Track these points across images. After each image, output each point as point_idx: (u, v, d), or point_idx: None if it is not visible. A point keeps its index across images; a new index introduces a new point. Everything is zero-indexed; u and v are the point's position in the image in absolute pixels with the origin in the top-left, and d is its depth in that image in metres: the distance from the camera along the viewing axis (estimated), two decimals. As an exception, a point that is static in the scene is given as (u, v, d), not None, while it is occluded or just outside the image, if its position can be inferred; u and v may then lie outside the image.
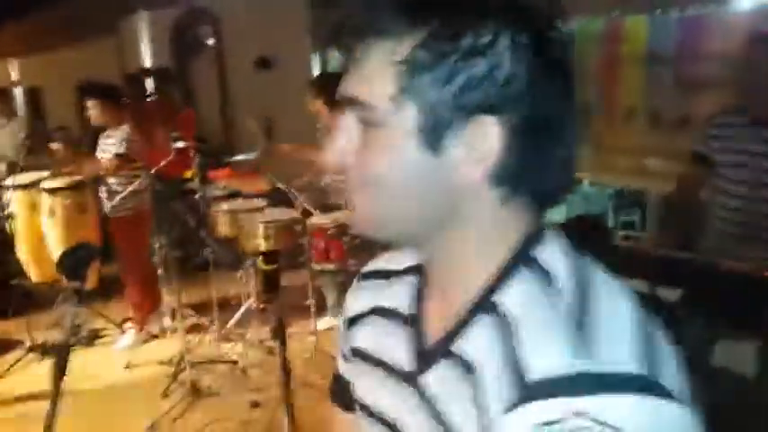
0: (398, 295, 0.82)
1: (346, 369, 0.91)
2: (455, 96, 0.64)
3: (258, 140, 4.23)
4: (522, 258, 0.69)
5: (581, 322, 0.61)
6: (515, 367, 0.61)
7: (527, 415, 0.58)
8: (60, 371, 1.32)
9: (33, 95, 10.44)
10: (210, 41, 7.67)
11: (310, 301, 4.11)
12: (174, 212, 4.23)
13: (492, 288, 0.69)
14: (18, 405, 3.66)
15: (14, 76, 11.18)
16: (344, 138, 0.71)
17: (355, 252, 3.94)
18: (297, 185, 4.17)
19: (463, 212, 0.69)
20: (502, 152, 0.65)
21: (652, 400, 0.57)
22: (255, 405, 3.50)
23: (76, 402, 3.61)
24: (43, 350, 4.33)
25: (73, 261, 1.35)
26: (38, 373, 4.14)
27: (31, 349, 4.36)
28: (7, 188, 4.46)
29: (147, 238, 4.33)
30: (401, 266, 0.85)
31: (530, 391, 0.59)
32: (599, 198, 4.81)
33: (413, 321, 0.78)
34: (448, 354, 0.71)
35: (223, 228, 4.26)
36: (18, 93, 10.82)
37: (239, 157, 4.41)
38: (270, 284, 4.55)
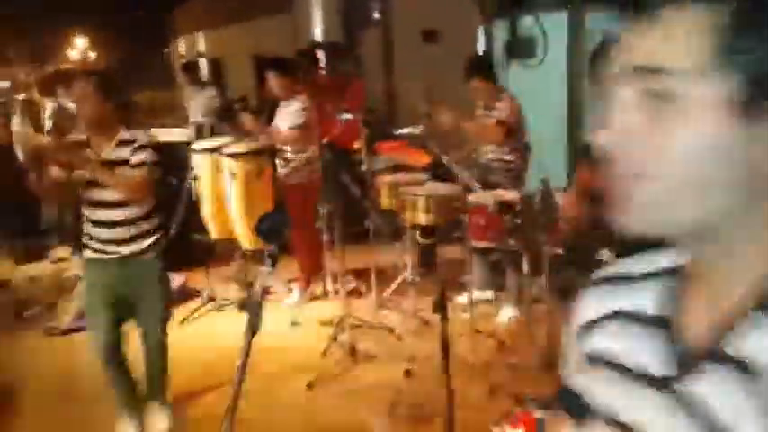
0: (644, 297, 0.76)
1: (580, 378, 0.85)
2: None
3: (424, 115, 4.27)
4: None
5: None
6: None
7: None
8: (253, 328, 1.41)
9: (215, 67, 11.27)
10: (378, 15, 7.81)
11: (467, 278, 4.10)
12: (341, 182, 4.42)
13: None
14: (195, 351, 4.04)
15: (200, 48, 12.16)
16: (626, 115, 0.64)
17: (514, 232, 3.87)
18: (460, 161, 4.16)
19: (752, 197, 0.64)
20: None
21: None
22: (408, 374, 3.59)
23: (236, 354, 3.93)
24: (219, 302, 4.78)
25: (269, 225, 1.44)
26: (213, 321, 4.55)
27: (209, 300, 4.82)
28: (195, 151, 4.88)
29: (316, 204, 4.55)
30: (648, 269, 0.79)
31: None
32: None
33: (665, 323, 0.72)
34: (721, 356, 0.65)
35: (385, 199, 4.38)
36: (203, 64, 11.73)
37: (404, 131, 4.48)
38: (426, 257, 4.66)
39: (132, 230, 2.95)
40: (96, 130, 2.94)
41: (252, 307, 1.40)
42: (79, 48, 13.25)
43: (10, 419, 3.48)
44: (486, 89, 4.18)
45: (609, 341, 0.78)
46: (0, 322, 4.70)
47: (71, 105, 5.43)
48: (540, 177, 3.56)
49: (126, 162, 2.88)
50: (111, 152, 2.91)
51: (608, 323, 0.80)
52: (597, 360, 0.79)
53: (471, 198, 3.95)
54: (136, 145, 2.90)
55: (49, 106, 5.33)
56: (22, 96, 5.77)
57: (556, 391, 0.94)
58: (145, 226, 2.99)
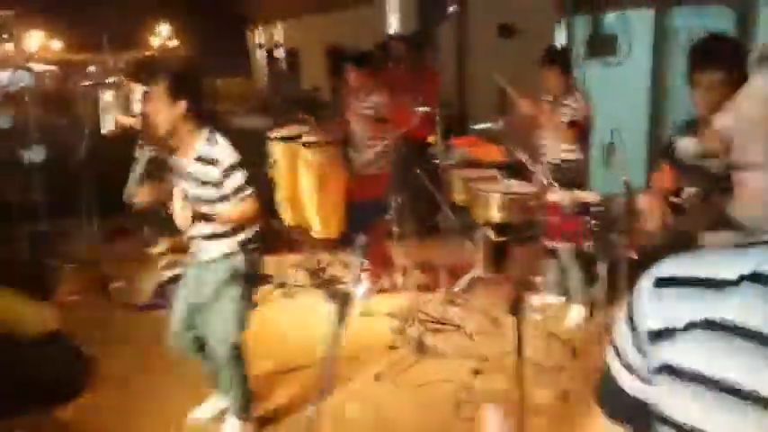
0: (747, 308, 0.70)
1: (644, 388, 0.80)
2: None
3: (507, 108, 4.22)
4: None
5: None
6: None
7: None
8: (342, 317, 1.42)
9: (292, 56, 11.45)
10: (454, 9, 7.75)
11: (539, 279, 4.04)
12: (413, 175, 4.41)
13: None
14: (265, 336, 4.12)
15: (278, 37, 12.38)
16: (750, 103, 0.62)
17: (591, 234, 3.77)
18: (537, 159, 4.09)
19: None
20: None
21: None
22: (476, 372, 3.56)
23: (304, 338, 3.99)
24: (289, 287, 4.87)
25: (361, 215, 1.45)
26: (283, 306, 4.63)
27: (279, 285, 4.91)
28: (272, 139, 4.98)
29: (385, 196, 4.57)
30: (733, 274, 0.72)
31: None
32: None
33: None
34: None
35: (458, 195, 4.35)
36: (281, 53, 11.93)
37: (481, 126, 4.43)
38: (498, 256, 4.61)
39: (220, 242, 2.87)
40: (173, 137, 2.82)
41: (342, 298, 1.41)
42: (161, 35, 13.75)
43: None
44: (559, 81, 4.08)
45: (699, 355, 0.72)
46: (87, 295, 4.93)
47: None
48: (622, 179, 3.46)
49: (218, 184, 2.75)
50: (190, 165, 2.78)
51: (693, 334, 0.74)
52: (681, 374, 0.74)
53: (549, 197, 3.88)
54: (226, 166, 2.74)
55: (136, 91, 5.55)
56: (112, 80, 6.02)
57: (597, 389, 0.90)
58: (230, 239, 2.89)
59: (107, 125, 5.40)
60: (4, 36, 5.81)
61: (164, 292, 4.72)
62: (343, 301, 1.45)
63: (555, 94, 4.12)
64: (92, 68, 10.09)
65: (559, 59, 4.13)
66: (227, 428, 3.11)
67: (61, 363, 3.73)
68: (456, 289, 4.47)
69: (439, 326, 4.10)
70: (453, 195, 4.39)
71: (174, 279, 4.78)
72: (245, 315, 2.98)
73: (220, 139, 2.83)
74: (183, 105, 2.73)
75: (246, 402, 3.12)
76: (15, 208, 5.83)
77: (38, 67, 9.20)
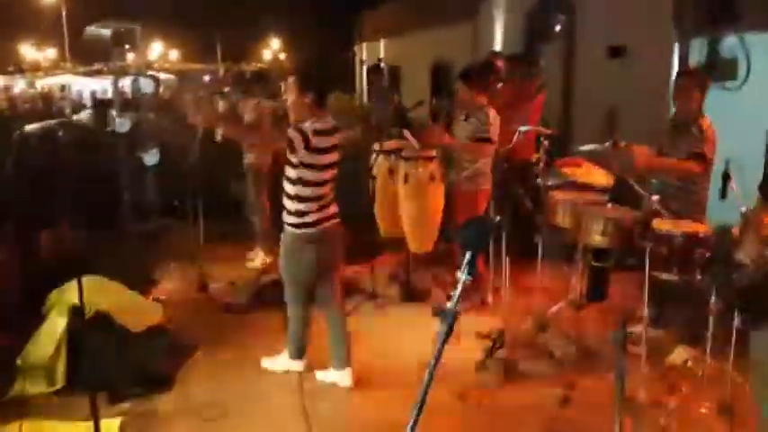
0: None
1: None
2: None
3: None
4: None
5: None
6: None
7: None
8: (446, 335, 1.41)
9: (394, 73, 11.62)
10: (559, 28, 7.59)
11: (641, 310, 3.85)
12: (513, 194, 4.33)
13: None
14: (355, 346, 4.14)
15: (381, 54, 12.64)
16: None
17: (702, 266, 3.55)
18: (646, 184, 3.91)
19: None
20: None
21: None
22: (566, 401, 3.43)
23: (395, 351, 3.99)
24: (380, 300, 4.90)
25: (472, 232, 1.43)
26: (373, 318, 4.65)
27: (370, 297, 4.95)
28: (374, 152, 5.06)
29: (482, 213, 4.51)
30: None
31: None
32: None
33: None
34: None
35: (558, 217, 4.21)
36: (384, 69, 12.13)
37: (586, 148, 4.29)
38: (597, 283, 4.44)
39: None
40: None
41: (447, 314, 1.40)
42: (272, 49, 14.37)
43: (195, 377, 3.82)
44: (693, 103, 3.91)
45: None
46: (187, 295, 5.18)
47: (265, 102, 5.89)
48: (741, 210, 3.25)
49: None
50: None
51: None
52: None
53: (657, 225, 3.69)
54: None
55: (246, 101, 5.80)
56: (226, 90, 6.34)
57: None
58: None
59: (219, 133, 5.68)
60: (128, 46, 6.22)
61: (260, 296, 4.87)
62: (450, 318, 1.44)
63: (685, 117, 3.94)
64: (206, 78, 10.72)
65: (696, 80, 3.96)
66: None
67: (161, 354, 3.93)
68: (550, 313, 4.34)
69: (529, 350, 3.99)
70: (554, 217, 4.27)
71: (272, 284, 4.94)
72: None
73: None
74: (310, 97, 3.36)
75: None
76: (129, 207, 6.21)
77: (156, 75, 9.80)
